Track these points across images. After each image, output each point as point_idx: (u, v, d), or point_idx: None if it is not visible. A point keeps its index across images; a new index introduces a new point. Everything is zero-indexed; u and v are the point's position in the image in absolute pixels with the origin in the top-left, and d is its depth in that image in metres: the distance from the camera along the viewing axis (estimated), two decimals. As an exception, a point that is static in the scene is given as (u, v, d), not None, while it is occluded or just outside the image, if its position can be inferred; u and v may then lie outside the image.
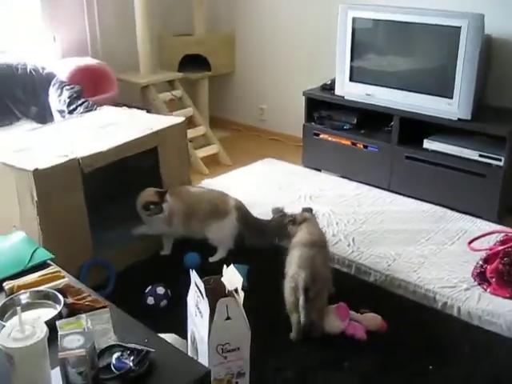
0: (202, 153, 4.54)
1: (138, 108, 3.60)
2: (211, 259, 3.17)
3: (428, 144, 3.72)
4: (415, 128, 3.82)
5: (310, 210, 3.01)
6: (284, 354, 2.51)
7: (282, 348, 2.54)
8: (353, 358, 2.47)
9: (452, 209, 3.66)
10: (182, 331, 2.26)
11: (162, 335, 1.88)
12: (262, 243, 3.21)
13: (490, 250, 2.87)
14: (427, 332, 2.67)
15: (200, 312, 2.07)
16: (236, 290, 2.10)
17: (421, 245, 3.26)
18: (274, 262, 2.87)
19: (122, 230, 3.27)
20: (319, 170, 4.33)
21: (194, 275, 2.10)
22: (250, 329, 2.06)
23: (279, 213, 3.35)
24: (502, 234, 2.99)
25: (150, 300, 2.77)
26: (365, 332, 2.59)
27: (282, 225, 3.21)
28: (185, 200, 3.15)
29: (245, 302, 2.48)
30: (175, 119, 3.26)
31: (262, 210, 3.41)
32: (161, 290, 2.78)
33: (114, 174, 3.04)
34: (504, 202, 3.59)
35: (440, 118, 3.65)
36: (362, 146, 4.05)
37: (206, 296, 2.03)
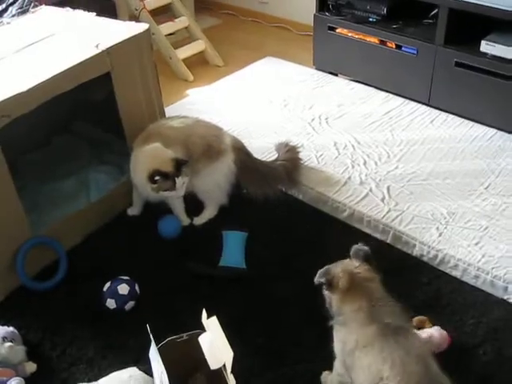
0: (185, 52, 3.55)
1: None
2: (197, 221, 2.38)
3: (487, 47, 2.72)
4: (470, 24, 2.80)
5: (365, 256, 1.65)
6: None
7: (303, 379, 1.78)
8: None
9: (515, 134, 2.76)
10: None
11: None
12: (264, 192, 2.40)
13: None
14: (499, 339, 1.89)
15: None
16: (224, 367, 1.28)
17: (479, 196, 2.40)
18: (283, 220, 2.32)
19: (75, 180, 2.44)
20: (335, 75, 3.36)
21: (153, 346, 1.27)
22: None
23: (285, 148, 2.55)
24: None
25: (111, 303, 1.99)
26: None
27: (290, 166, 2.47)
28: (178, 141, 2.24)
29: (245, 292, 2.01)
30: (135, 27, 2.27)
31: (261, 144, 2.55)
32: (124, 289, 1.99)
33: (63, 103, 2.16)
34: None
35: (508, 12, 2.62)
36: (394, 46, 3.05)
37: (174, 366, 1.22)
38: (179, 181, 2.12)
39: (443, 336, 1.84)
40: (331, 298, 1.58)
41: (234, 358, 1.64)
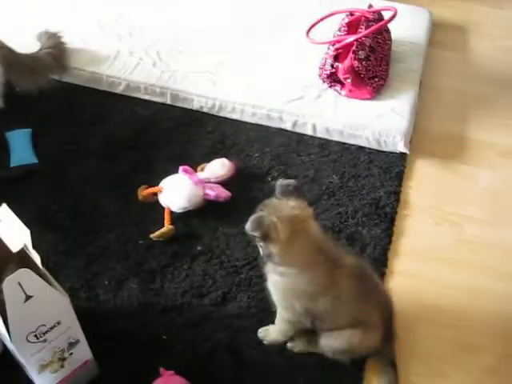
0: None
1: None
2: None
3: None
4: None
5: (295, 191, 1.44)
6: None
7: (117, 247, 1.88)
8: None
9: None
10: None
11: None
12: (37, 85, 2.34)
13: (338, 41, 2.22)
14: (283, 163, 2.14)
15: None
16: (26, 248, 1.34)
17: (247, 42, 2.52)
18: (63, 107, 2.31)
19: None
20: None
21: None
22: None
23: (46, 36, 2.47)
24: (346, 15, 2.32)
25: None
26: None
27: (56, 52, 2.42)
28: None
29: (43, 184, 2.01)
30: None
31: (20, 39, 2.44)
32: None
33: None
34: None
35: None
36: None
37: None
38: None
39: (225, 164, 2.03)
40: (270, 249, 1.38)
41: (48, 246, 1.70)
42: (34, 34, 2.49)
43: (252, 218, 1.36)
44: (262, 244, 1.39)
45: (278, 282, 1.47)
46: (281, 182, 1.44)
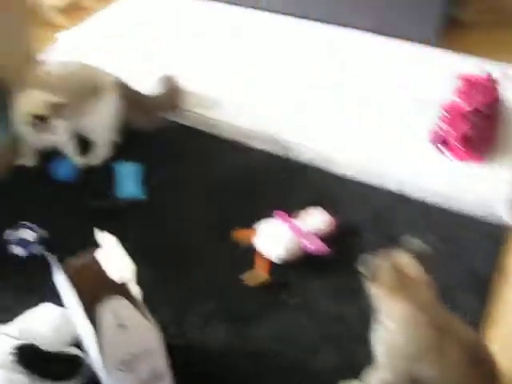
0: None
1: None
2: (92, 160, 2.39)
3: None
4: None
5: (419, 252, 1.46)
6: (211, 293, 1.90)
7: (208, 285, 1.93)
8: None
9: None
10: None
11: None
12: (151, 123, 2.49)
13: (451, 105, 2.20)
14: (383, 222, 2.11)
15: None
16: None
17: (359, 103, 2.55)
18: (172, 146, 2.40)
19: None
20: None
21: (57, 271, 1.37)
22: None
23: (169, 82, 2.61)
24: (460, 79, 2.27)
25: (19, 250, 2.00)
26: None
27: (171, 94, 2.59)
28: (61, 85, 2.27)
29: (146, 219, 2.08)
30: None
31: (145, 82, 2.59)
32: (29, 235, 2.01)
33: None
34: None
35: None
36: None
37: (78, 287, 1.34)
38: (58, 124, 2.16)
39: (326, 218, 2.03)
40: (371, 290, 1.43)
41: (141, 279, 1.75)
42: (154, 77, 2.63)
43: (364, 255, 1.43)
44: (366, 283, 1.43)
45: (380, 337, 1.46)
46: (415, 241, 1.47)
